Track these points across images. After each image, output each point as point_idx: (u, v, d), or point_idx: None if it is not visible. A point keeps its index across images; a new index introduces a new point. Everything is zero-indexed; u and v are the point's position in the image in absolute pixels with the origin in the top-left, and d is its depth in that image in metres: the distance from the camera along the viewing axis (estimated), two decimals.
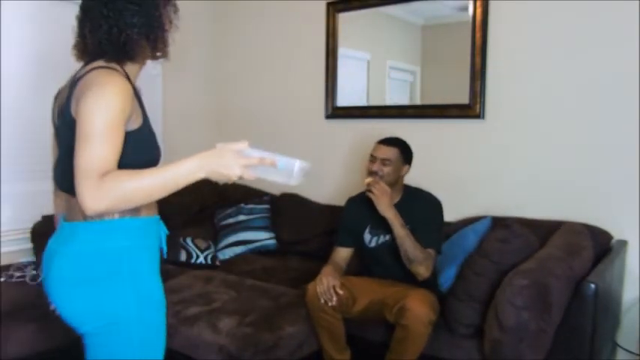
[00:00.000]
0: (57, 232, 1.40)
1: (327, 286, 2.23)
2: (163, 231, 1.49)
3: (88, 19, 1.33)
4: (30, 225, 2.96)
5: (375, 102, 3.21)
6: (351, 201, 2.61)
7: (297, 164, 1.23)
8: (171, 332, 2.33)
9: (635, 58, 2.38)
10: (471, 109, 2.81)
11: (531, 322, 1.88)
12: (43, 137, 3.05)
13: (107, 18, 1.30)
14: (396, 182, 2.42)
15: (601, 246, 2.34)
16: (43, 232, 2.92)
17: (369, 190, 2.29)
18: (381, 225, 2.37)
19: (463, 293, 2.19)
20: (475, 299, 2.14)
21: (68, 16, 3.04)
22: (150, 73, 3.39)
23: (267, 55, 3.62)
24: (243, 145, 1.23)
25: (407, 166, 2.45)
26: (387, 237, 2.38)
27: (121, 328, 1.32)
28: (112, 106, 1.20)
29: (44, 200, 3.07)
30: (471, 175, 2.84)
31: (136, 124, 1.30)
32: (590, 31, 2.48)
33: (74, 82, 1.30)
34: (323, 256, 3.06)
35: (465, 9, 2.79)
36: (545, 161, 2.63)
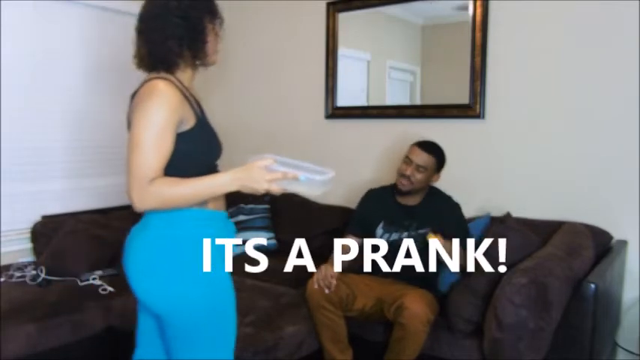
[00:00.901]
0: (140, 220, 1.53)
1: (324, 273, 2.27)
2: (231, 227, 1.63)
3: (141, 31, 1.49)
4: (30, 225, 2.97)
5: (375, 102, 3.21)
6: (371, 193, 2.63)
7: (317, 178, 1.36)
8: None
9: (636, 59, 2.38)
10: (471, 109, 2.81)
11: (530, 320, 1.88)
12: (43, 137, 3.06)
13: (154, 30, 1.46)
14: (423, 189, 2.44)
15: (601, 246, 2.34)
16: (43, 232, 2.93)
17: (437, 253, 2.27)
18: (395, 222, 2.39)
19: (463, 287, 2.20)
20: (475, 294, 2.14)
21: (68, 16, 3.08)
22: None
23: (267, 55, 3.62)
24: (268, 161, 1.37)
25: (437, 175, 2.47)
26: (399, 235, 2.39)
27: (184, 316, 1.44)
28: (156, 117, 1.36)
29: (44, 200, 3.10)
30: (470, 175, 2.84)
31: (187, 125, 1.44)
32: (590, 31, 2.48)
33: (134, 94, 1.46)
34: (323, 256, 3.07)
35: (465, 9, 2.79)
36: (545, 161, 2.63)
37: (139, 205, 1.36)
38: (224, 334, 1.54)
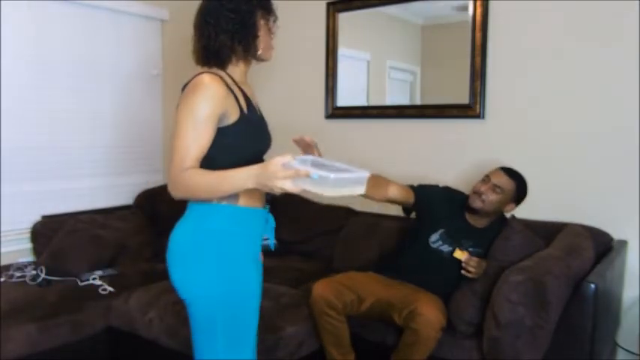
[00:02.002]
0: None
1: None
2: (270, 224, 1.66)
3: (197, 26, 1.55)
4: (30, 225, 2.97)
5: (375, 102, 3.21)
6: (447, 191, 2.53)
7: (331, 176, 1.26)
8: (171, 332, 2.34)
9: (636, 58, 2.38)
10: (471, 109, 2.81)
11: (527, 318, 1.88)
12: (43, 137, 3.06)
13: (207, 25, 1.52)
14: (494, 213, 2.36)
15: (601, 247, 2.34)
16: (43, 232, 2.93)
17: (466, 270, 2.21)
18: (454, 236, 2.36)
19: (466, 289, 2.20)
20: (476, 295, 2.14)
21: (68, 16, 3.08)
22: (150, 73, 3.41)
23: None
24: (285, 159, 1.31)
25: (513, 205, 2.37)
26: (449, 249, 2.35)
27: (202, 305, 1.49)
28: (197, 110, 1.41)
29: (44, 200, 3.10)
30: (471, 175, 2.83)
31: (230, 120, 1.47)
32: (590, 31, 2.48)
33: (184, 87, 1.50)
34: (323, 256, 3.07)
35: (465, 9, 2.79)
36: (545, 161, 2.63)
37: (171, 191, 1.43)
38: (240, 333, 1.54)
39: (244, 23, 1.52)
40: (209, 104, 1.42)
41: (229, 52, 1.53)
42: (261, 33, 1.56)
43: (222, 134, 1.46)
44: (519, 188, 2.35)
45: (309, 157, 1.39)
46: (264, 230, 1.64)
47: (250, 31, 1.53)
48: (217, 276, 1.48)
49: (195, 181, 1.40)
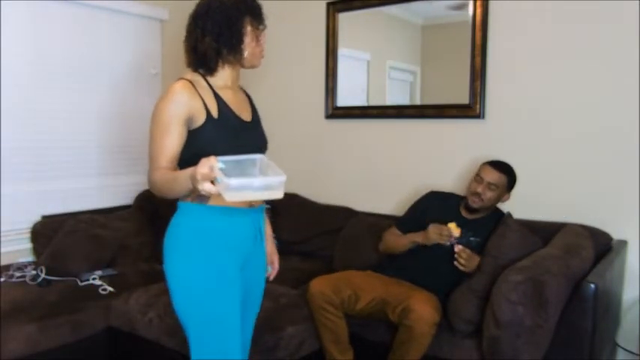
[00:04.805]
0: None
1: (438, 230, 2.33)
2: (254, 224, 1.64)
3: (187, 30, 1.60)
4: (30, 225, 2.97)
5: (375, 102, 3.21)
6: (432, 195, 2.62)
7: (231, 182, 1.26)
8: (171, 332, 2.34)
9: (635, 59, 2.37)
10: (471, 109, 2.81)
11: (527, 317, 1.88)
12: (43, 137, 3.06)
13: (196, 27, 1.56)
14: (491, 206, 2.44)
15: (601, 247, 2.33)
16: (43, 232, 2.93)
17: (458, 262, 2.26)
18: None
19: (464, 287, 2.20)
20: (475, 294, 2.14)
21: (68, 16, 3.08)
22: (149, 72, 3.40)
23: (267, 55, 3.61)
24: (210, 160, 1.32)
25: (508, 194, 2.46)
26: (450, 242, 2.37)
27: (174, 299, 1.56)
28: (160, 115, 1.51)
29: (44, 200, 3.09)
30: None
31: (197, 123, 1.53)
32: (590, 30, 2.48)
33: None
34: (323, 256, 3.07)
35: (465, 9, 2.79)
36: (545, 161, 2.63)
37: (149, 187, 1.54)
38: (214, 331, 1.54)
39: (230, 27, 1.55)
40: (170, 109, 1.50)
41: (215, 54, 1.57)
42: (248, 39, 1.59)
43: (193, 137, 1.53)
44: (510, 179, 2.43)
45: (232, 158, 1.35)
46: (251, 230, 1.63)
47: (235, 36, 1.56)
48: (182, 272, 1.54)
49: (160, 180, 1.49)
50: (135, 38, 3.40)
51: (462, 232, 2.32)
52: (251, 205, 1.61)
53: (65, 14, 3.08)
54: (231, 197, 1.30)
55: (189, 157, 1.49)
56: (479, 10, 2.73)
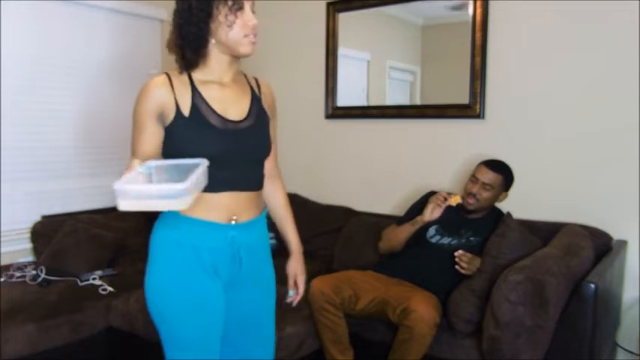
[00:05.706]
0: None
1: (434, 199, 2.39)
2: (233, 242, 1.49)
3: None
4: (30, 225, 2.97)
5: (375, 102, 3.21)
6: (432, 195, 2.60)
7: (115, 186, 1.19)
8: None
9: (635, 59, 2.38)
10: (470, 109, 2.81)
11: (527, 317, 1.89)
12: (42, 137, 3.06)
13: (173, 21, 1.47)
14: (489, 206, 2.44)
15: (601, 247, 2.34)
16: (43, 232, 2.93)
17: (459, 265, 2.24)
18: (451, 229, 2.40)
19: (463, 287, 2.20)
20: (475, 294, 2.14)
21: (68, 16, 3.08)
22: (149, 72, 3.40)
23: (267, 55, 3.62)
24: (135, 163, 1.28)
25: (505, 193, 2.46)
26: (449, 241, 2.39)
27: (149, 308, 1.52)
28: (135, 112, 1.44)
29: (44, 200, 3.10)
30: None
31: (168, 119, 1.44)
32: (590, 31, 2.48)
33: None
34: (323, 256, 3.07)
35: (465, 9, 2.79)
36: (545, 161, 2.63)
37: None
38: (174, 336, 1.49)
39: (191, 9, 1.41)
40: (142, 104, 1.43)
41: (180, 42, 1.44)
42: (214, 25, 1.41)
43: (167, 135, 1.44)
44: (507, 178, 2.43)
45: (169, 162, 1.29)
46: (226, 248, 1.48)
47: (200, 16, 1.40)
48: (153, 282, 1.52)
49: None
50: (134, 38, 3.40)
51: (460, 204, 2.39)
52: (231, 220, 1.47)
53: (65, 14, 3.08)
54: (125, 206, 1.18)
55: (166, 154, 1.44)
56: (479, 10, 2.73)
